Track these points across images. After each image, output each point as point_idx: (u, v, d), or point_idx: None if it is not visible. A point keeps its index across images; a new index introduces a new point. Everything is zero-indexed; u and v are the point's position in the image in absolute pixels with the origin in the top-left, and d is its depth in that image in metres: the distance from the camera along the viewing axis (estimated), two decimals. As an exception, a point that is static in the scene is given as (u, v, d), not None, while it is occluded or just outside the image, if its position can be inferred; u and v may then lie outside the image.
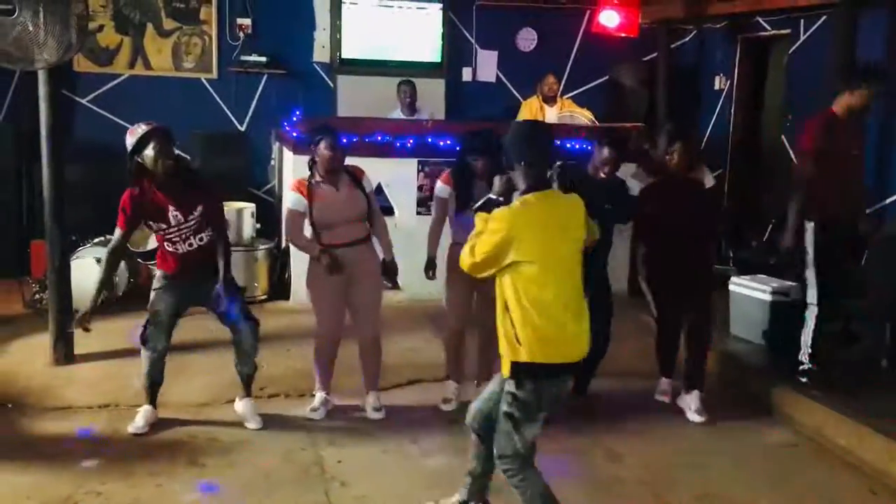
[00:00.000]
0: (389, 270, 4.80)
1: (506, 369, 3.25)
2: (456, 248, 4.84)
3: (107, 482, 3.94)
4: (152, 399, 4.61)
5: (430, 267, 4.88)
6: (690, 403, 4.93)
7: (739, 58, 8.62)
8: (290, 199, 4.64)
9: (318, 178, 4.60)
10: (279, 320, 6.39)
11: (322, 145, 4.53)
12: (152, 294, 4.52)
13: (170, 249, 4.46)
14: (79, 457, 4.19)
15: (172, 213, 4.34)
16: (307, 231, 4.67)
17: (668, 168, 4.87)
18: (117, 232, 4.43)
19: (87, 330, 4.36)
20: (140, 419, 4.52)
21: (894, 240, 5.59)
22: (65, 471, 4.04)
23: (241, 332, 4.57)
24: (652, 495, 3.99)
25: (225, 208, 6.69)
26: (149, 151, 4.22)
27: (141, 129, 4.27)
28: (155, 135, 4.25)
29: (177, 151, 4.40)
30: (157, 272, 4.59)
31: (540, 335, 3.16)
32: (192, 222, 4.38)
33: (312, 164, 4.62)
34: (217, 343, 5.53)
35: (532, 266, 3.14)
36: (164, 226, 4.37)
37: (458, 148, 5.05)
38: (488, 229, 3.18)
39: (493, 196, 3.36)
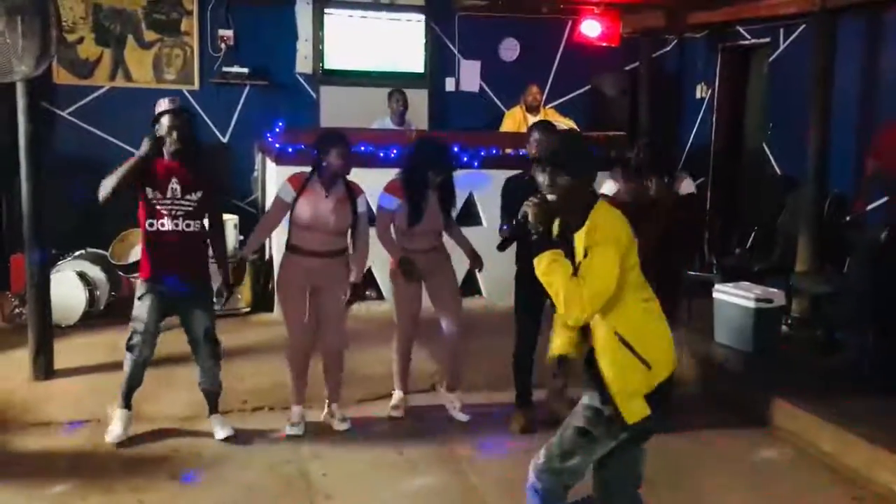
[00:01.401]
0: (356, 292, 4.74)
1: (633, 412, 2.83)
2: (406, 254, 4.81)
3: (87, 498, 3.89)
4: (128, 402, 4.56)
5: (406, 263, 4.78)
6: None
7: (720, 66, 8.67)
8: (282, 189, 4.62)
9: (316, 178, 4.58)
10: (262, 332, 6.35)
11: (333, 153, 4.52)
12: (136, 303, 4.49)
13: (152, 229, 4.40)
14: (59, 473, 4.14)
15: (172, 185, 4.37)
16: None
17: (644, 193, 4.77)
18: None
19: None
20: (118, 426, 4.48)
21: (875, 246, 5.62)
22: (45, 486, 3.98)
23: (200, 350, 4.58)
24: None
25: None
26: (164, 121, 4.38)
27: (164, 103, 4.44)
28: (171, 111, 4.40)
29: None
30: (138, 281, 4.56)
31: (664, 344, 2.90)
32: (188, 203, 4.40)
33: (317, 166, 4.58)
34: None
35: (637, 267, 2.88)
36: (159, 195, 4.37)
37: (414, 158, 4.86)
38: (598, 244, 2.78)
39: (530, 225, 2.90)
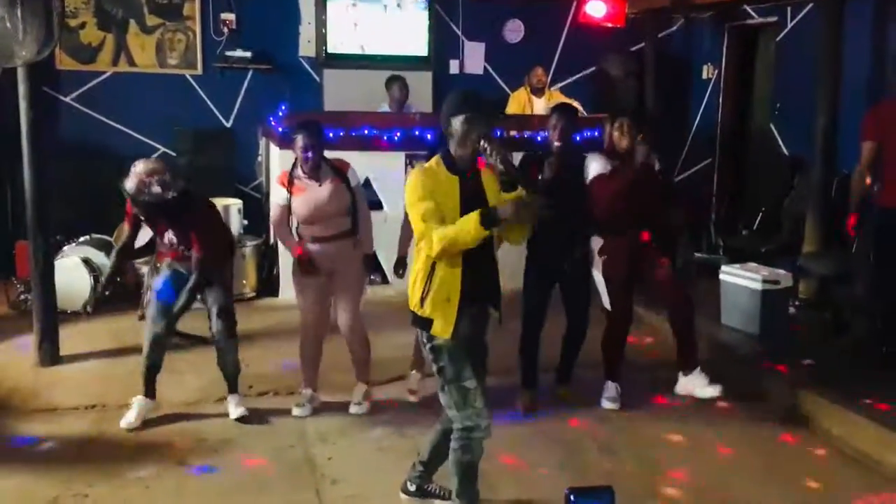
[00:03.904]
0: (369, 266, 4.75)
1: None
2: None
3: (94, 484, 3.88)
4: (148, 389, 4.58)
5: (401, 266, 4.79)
6: (699, 381, 4.93)
7: (727, 46, 8.59)
8: (275, 193, 4.66)
9: (300, 171, 4.54)
10: (268, 317, 6.34)
11: (297, 143, 4.48)
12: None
13: (160, 248, 4.64)
14: (65, 459, 4.14)
15: (168, 237, 4.47)
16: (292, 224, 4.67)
17: (619, 151, 4.71)
18: (125, 229, 4.60)
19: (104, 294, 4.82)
20: (132, 413, 4.50)
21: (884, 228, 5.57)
22: (51, 473, 3.98)
23: (213, 326, 4.61)
24: (645, 488, 3.96)
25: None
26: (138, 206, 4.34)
27: (130, 179, 4.24)
28: (139, 203, 4.26)
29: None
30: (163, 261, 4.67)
31: None
32: (186, 249, 4.48)
33: (297, 158, 4.57)
34: (205, 341, 5.49)
35: None
36: (159, 239, 4.54)
37: (434, 141, 4.92)
38: None
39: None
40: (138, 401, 4.56)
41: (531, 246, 4.72)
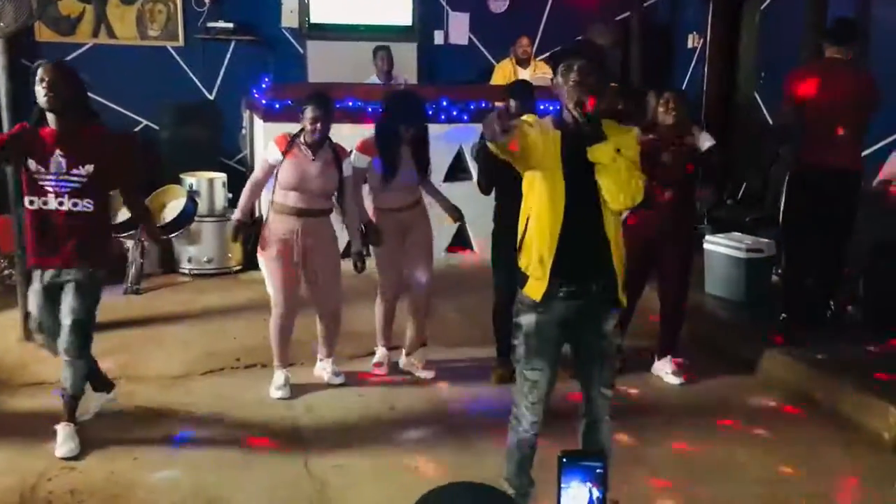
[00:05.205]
0: (357, 259, 4.69)
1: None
2: (382, 214, 4.75)
3: (82, 456, 3.89)
4: (70, 415, 3.99)
5: (373, 231, 4.74)
6: (666, 367, 4.94)
7: (712, 15, 8.57)
8: (269, 151, 4.55)
9: (303, 139, 4.50)
10: (253, 291, 6.31)
11: (305, 114, 4.44)
12: (28, 293, 4.08)
13: (32, 207, 3.81)
14: (52, 433, 4.14)
15: (57, 158, 3.74)
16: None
17: (661, 127, 4.67)
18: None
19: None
20: (63, 440, 3.92)
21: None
22: (38, 446, 3.98)
23: (63, 344, 3.89)
24: (631, 457, 4.00)
25: (193, 179, 6.69)
26: (36, 86, 3.72)
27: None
28: (41, 67, 3.76)
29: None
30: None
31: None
32: (75, 179, 3.77)
33: (304, 128, 4.52)
34: (191, 315, 5.50)
35: None
36: (42, 168, 3.75)
37: (385, 113, 4.78)
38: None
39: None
40: (62, 429, 3.96)
41: (497, 218, 4.69)
